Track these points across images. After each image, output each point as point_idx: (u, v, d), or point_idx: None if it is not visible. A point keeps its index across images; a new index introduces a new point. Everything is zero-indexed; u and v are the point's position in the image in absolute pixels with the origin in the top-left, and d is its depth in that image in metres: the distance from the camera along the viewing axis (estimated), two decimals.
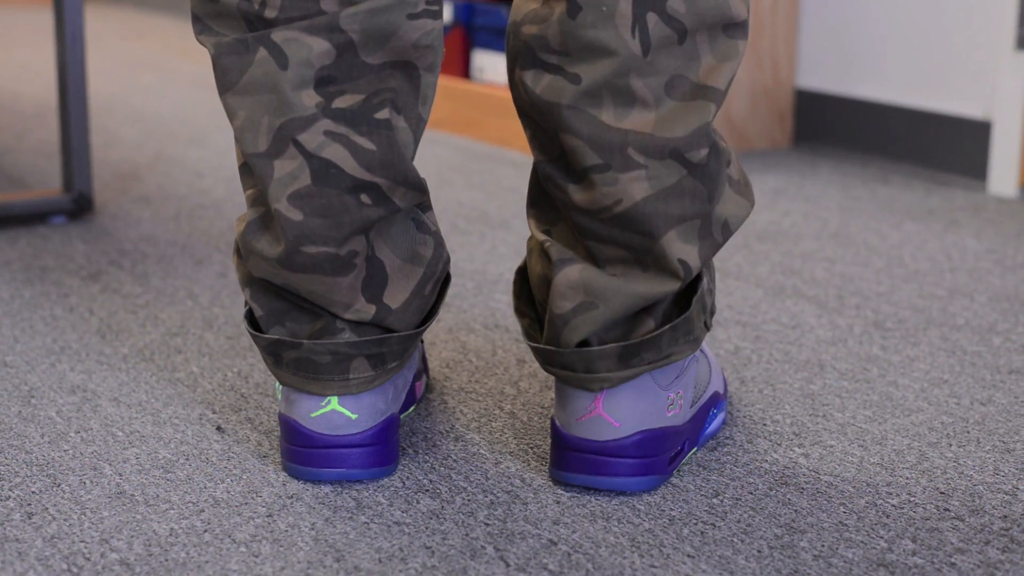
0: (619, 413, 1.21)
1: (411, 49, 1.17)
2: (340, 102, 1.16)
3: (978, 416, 1.42)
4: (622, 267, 1.19)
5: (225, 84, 1.16)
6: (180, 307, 1.73)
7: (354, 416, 1.23)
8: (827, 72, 2.79)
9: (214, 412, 1.41)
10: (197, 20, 1.18)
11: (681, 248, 1.17)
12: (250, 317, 1.28)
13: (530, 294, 1.29)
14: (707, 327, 1.25)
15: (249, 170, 1.21)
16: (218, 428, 1.37)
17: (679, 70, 1.14)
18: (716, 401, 1.35)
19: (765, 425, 1.39)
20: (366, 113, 1.17)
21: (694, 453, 1.32)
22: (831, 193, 2.42)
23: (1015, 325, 1.71)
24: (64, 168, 2.14)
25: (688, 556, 1.12)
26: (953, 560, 1.12)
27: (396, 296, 1.23)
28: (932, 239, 2.12)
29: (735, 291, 1.83)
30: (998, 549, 1.14)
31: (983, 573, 1.10)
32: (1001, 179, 2.44)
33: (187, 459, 1.30)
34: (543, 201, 1.25)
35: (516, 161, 2.68)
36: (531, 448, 1.33)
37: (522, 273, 1.29)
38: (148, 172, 2.53)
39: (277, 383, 1.27)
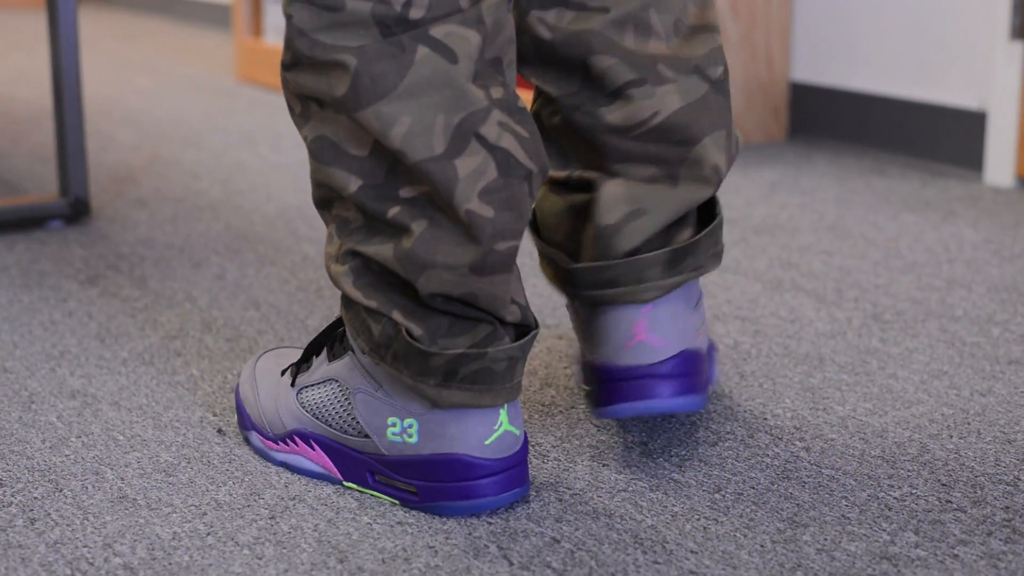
0: (663, 333, 1.24)
1: (506, 44, 1.14)
2: (494, 92, 1.12)
3: (978, 407, 1.42)
4: (652, 184, 1.26)
5: (378, 92, 1.08)
6: (179, 310, 1.73)
7: (518, 433, 1.20)
8: (822, 65, 2.79)
9: (215, 415, 1.41)
10: (302, 35, 1.10)
11: (716, 154, 1.25)
12: (408, 339, 1.15)
13: (546, 246, 1.33)
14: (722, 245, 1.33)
15: (376, 194, 1.13)
16: (219, 431, 1.37)
17: (678, 14, 1.25)
18: (713, 344, 1.43)
19: (766, 419, 1.39)
20: (514, 102, 1.14)
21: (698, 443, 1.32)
22: (827, 186, 2.42)
23: (1013, 315, 1.71)
24: (60, 172, 2.13)
25: (691, 552, 1.12)
26: (956, 552, 1.12)
27: (520, 293, 1.19)
28: (929, 230, 2.12)
29: (733, 285, 1.83)
30: (1001, 540, 1.14)
31: (986, 564, 1.10)
32: (997, 169, 2.44)
33: (189, 462, 1.30)
34: (553, 149, 1.31)
35: None
36: (533, 446, 1.33)
37: (532, 225, 1.35)
38: (144, 175, 2.53)
39: (394, 432, 1.19)
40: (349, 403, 1.22)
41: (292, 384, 1.28)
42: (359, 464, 1.22)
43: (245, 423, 1.33)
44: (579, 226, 1.29)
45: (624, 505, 1.21)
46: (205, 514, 1.19)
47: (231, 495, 1.23)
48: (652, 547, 1.13)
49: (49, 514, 1.19)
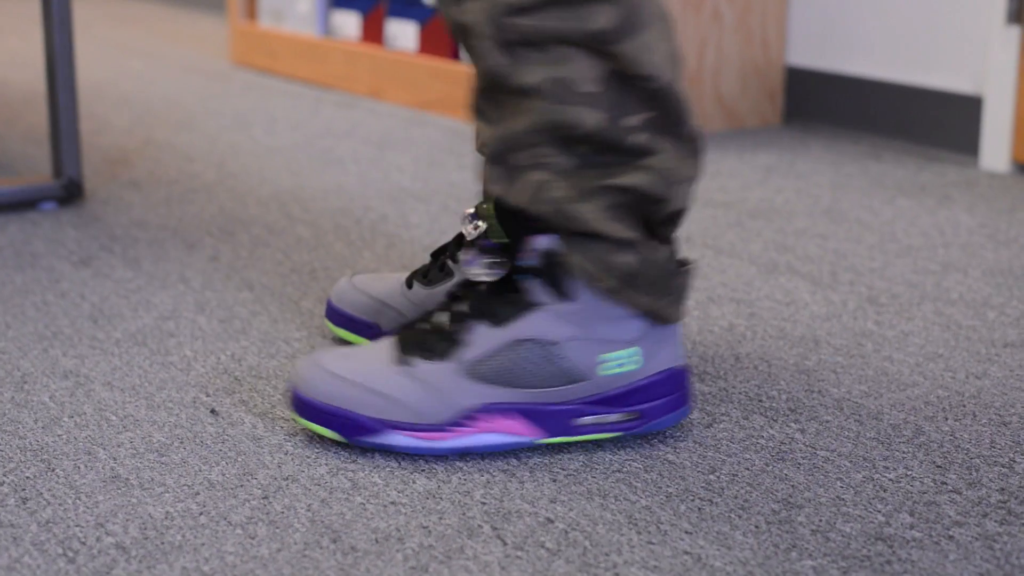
0: None
1: None
2: None
3: (974, 390, 1.42)
4: None
5: (637, 23, 1.19)
6: (172, 291, 1.73)
7: None
8: (817, 49, 2.79)
9: (208, 395, 1.40)
10: None
11: None
12: (662, 262, 1.26)
13: None
14: None
15: (613, 126, 1.22)
16: (212, 411, 1.36)
17: None
18: None
19: (761, 401, 1.39)
20: None
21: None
22: (823, 170, 2.42)
23: (1009, 299, 1.71)
24: (53, 154, 2.13)
25: (686, 532, 1.12)
26: (951, 533, 1.12)
27: None
28: (925, 214, 2.11)
29: (728, 268, 1.83)
30: (996, 522, 1.14)
31: (981, 546, 1.10)
32: (993, 154, 2.43)
33: (181, 442, 1.29)
34: None
35: None
36: None
37: None
38: (138, 157, 2.52)
39: (610, 366, 1.26)
40: (552, 355, 1.25)
41: (455, 363, 1.25)
42: (560, 415, 1.26)
43: (369, 427, 1.25)
44: None
45: (618, 486, 1.20)
46: (198, 494, 1.19)
47: (224, 475, 1.22)
48: (646, 527, 1.13)
49: (41, 493, 1.19)
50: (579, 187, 1.22)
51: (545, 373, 1.25)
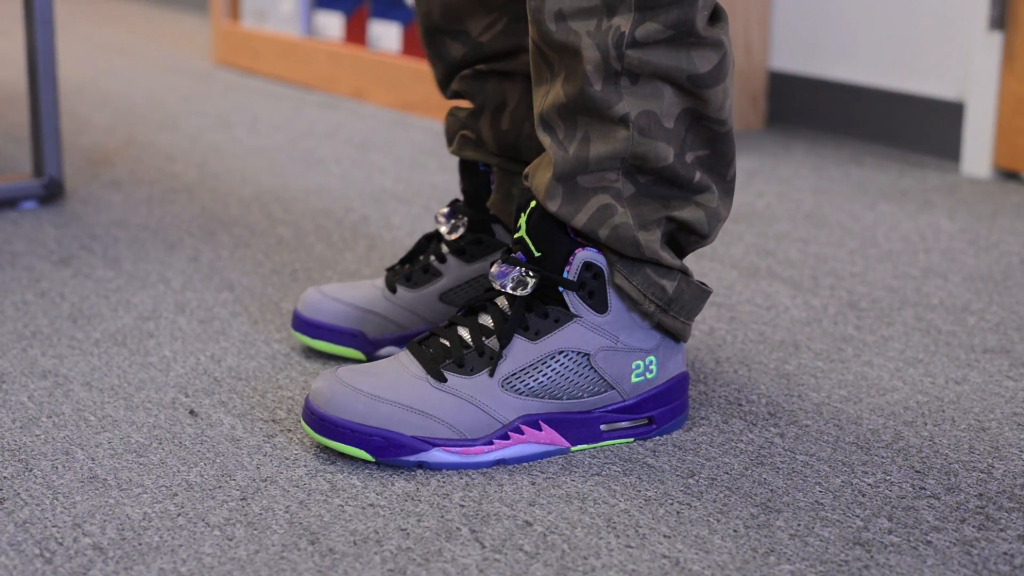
0: None
1: None
2: None
3: (953, 395, 1.42)
4: None
5: (728, 71, 1.24)
6: (152, 291, 1.72)
7: None
8: (800, 54, 2.79)
9: (187, 396, 1.40)
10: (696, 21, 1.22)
11: None
12: (700, 288, 1.31)
13: None
14: None
15: (681, 162, 1.26)
16: (191, 412, 1.36)
17: None
18: None
19: (740, 405, 1.39)
20: None
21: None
22: (805, 174, 2.42)
23: (989, 304, 1.71)
24: (34, 153, 2.12)
25: (664, 536, 1.12)
26: (929, 538, 1.12)
27: None
28: (906, 220, 2.12)
29: (709, 272, 1.83)
30: (974, 527, 1.14)
31: (959, 551, 1.10)
32: (974, 160, 2.44)
33: (160, 443, 1.29)
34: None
35: None
36: None
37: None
38: (119, 157, 2.51)
39: (637, 374, 1.30)
40: (588, 365, 1.27)
41: (491, 377, 1.25)
42: (589, 423, 1.28)
43: (410, 446, 1.23)
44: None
45: (597, 489, 1.20)
46: (176, 495, 1.18)
47: (202, 476, 1.22)
48: (625, 531, 1.13)
49: (18, 494, 1.18)
50: (641, 215, 1.25)
51: (582, 383, 1.27)
